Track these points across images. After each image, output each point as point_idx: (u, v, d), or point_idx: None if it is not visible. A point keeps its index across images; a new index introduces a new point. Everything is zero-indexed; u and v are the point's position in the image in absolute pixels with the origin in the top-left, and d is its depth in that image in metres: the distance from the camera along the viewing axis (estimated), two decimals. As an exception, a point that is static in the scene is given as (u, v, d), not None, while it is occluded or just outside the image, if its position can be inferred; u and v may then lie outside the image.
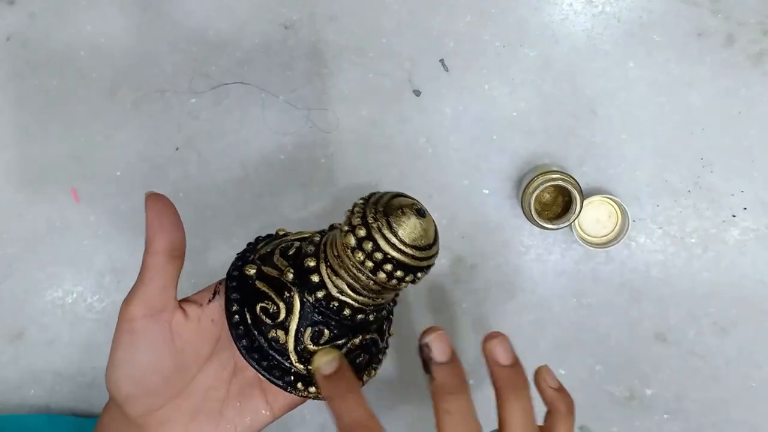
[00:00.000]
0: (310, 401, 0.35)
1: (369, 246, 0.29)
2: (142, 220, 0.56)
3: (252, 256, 0.34)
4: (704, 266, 0.51)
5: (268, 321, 0.32)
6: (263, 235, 0.37)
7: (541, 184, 0.47)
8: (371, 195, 0.31)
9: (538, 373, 0.34)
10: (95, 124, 0.55)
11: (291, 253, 0.33)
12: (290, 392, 0.32)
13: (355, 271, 0.30)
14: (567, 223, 0.47)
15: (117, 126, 0.55)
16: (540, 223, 0.47)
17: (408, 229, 0.30)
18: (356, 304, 0.32)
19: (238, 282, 0.33)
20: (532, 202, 0.47)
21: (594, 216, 0.51)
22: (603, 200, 0.50)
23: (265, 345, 0.32)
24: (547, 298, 0.52)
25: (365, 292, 0.31)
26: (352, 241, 0.30)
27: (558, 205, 0.50)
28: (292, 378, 0.32)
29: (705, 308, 0.52)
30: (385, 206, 0.30)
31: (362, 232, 0.29)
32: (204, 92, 0.54)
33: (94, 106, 0.55)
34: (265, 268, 0.33)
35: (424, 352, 0.30)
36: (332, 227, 0.35)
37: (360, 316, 0.32)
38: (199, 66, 0.54)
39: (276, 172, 0.54)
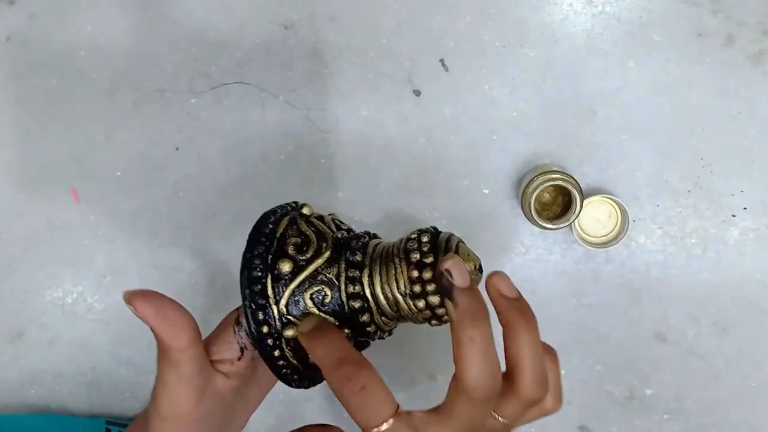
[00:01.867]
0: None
1: (431, 288, 0.30)
2: (143, 220, 0.57)
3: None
4: (704, 266, 0.51)
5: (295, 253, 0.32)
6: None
7: (541, 184, 0.47)
8: (436, 233, 0.32)
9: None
10: (95, 124, 0.55)
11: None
12: (302, 387, 0.34)
13: (398, 292, 0.31)
14: (567, 223, 0.47)
15: (117, 126, 0.55)
16: (540, 223, 0.47)
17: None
18: (376, 315, 0.32)
19: (274, 342, 0.32)
20: (532, 202, 0.47)
21: (594, 216, 0.51)
22: (603, 200, 0.50)
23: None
24: (547, 298, 0.52)
25: (390, 312, 0.32)
26: (416, 273, 0.31)
27: (558, 205, 0.50)
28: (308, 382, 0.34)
29: (705, 308, 0.52)
30: (457, 246, 0.32)
31: (428, 275, 0.30)
32: (204, 92, 0.54)
33: (94, 106, 0.55)
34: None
35: (444, 279, 0.29)
36: (375, 236, 0.35)
37: (370, 327, 0.33)
38: (199, 66, 0.54)
39: (276, 172, 0.54)
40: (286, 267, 0.31)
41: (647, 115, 0.51)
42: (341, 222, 0.35)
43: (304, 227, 0.33)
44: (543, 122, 0.52)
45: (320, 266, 0.31)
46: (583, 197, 0.47)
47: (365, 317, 0.32)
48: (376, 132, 0.53)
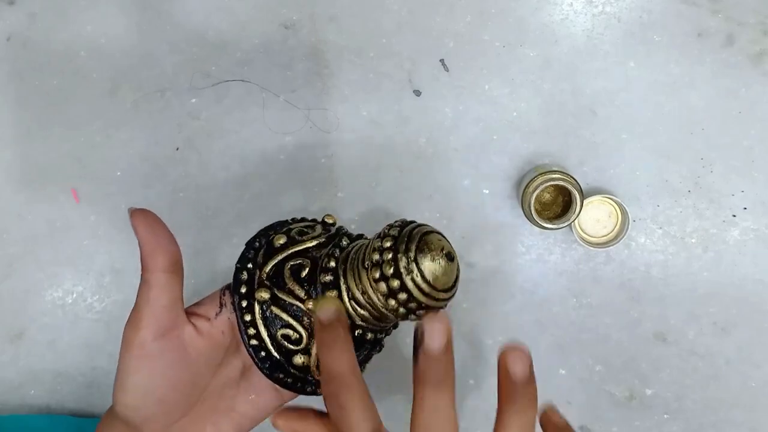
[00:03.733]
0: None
1: (403, 297, 0.30)
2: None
3: (257, 273, 0.34)
4: (704, 266, 0.51)
5: (291, 347, 0.33)
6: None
7: (541, 183, 0.47)
8: (400, 230, 0.31)
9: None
10: (95, 124, 0.55)
11: (304, 275, 0.33)
12: (310, 394, 0.34)
13: (383, 310, 0.31)
14: (567, 223, 0.47)
15: (117, 126, 0.55)
16: (540, 223, 0.47)
17: (436, 270, 0.30)
18: (366, 326, 0.33)
19: (248, 302, 0.33)
20: (532, 202, 0.47)
21: (594, 216, 0.51)
22: (603, 200, 0.50)
23: (287, 364, 0.33)
24: (548, 298, 0.52)
25: (373, 319, 0.33)
26: (384, 288, 0.30)
27: (558, 205, 0.50)
28: (314, 387, 0.34)
29: (705, 308, 0.52)
30: (417, 250, 0.30)
31: (395, 284, 0.30)
32: (204, 92, 0.54)
33: (94, 106, 0.55)
34: (280, 294, 0.33)
35: (417, 333, 0.29)
36: (339, 232, 0.36)
37: (369, 335, 0.34)
38: (199, 66, 0.54)
39: (276, 172, 0.54)
40: (298, 360, 0.33)
41: (647, 115, 0.51)
42: (296, 263, 0.34)
43: (282, 316, 0.33)
44: (543, 122, 0.52)
45: None
46: (583, 197, 0.47)
47: (360, 332, 0.33)
48: (376, 132, 0.53)
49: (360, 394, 0.29)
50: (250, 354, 0.33)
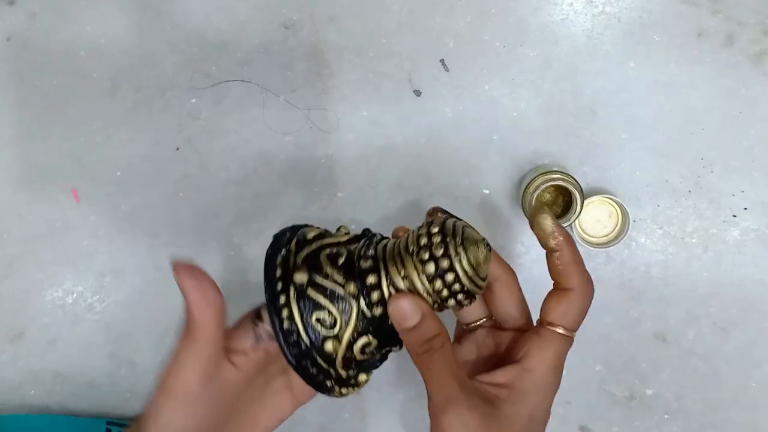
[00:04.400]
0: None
1: (444, 263, 0.32)
2: (143, 220, 0.57)
3: (293, 260, 0.34)
4: (704, 266, 0.51)
5: (323, 331, 0.32)
6: (277, 230, 0.37)
7: (542, 184, 0.47)
8: (445, 218, 0.34)
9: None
10: (95, 124, 0.55)
11: (341, 262, 0.33)
12: (325, 394, 0.33)
13: (419, 288, 0.32)
14: (567, 223, 0.47)
15: (117, 126, 0.55)
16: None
17: (481, 258, 0.33)
18: None
19: (284, 285, 0.33)
20: (533, 202, 0.47)
21: (594, 216, 0.51)
22: (603, 200, 0.50)
23: (316, 353, 0.32)
24: (548, 298, 0.52)
25: None
26: (430, 262, 0.32)
27: (558, 205, 0.50)
28: (332, 383, 0.33)
29: (705, 308, 0.52)
30: (464, 235, 0.33)
31: (440, 252, 0.32)
32: (204, 92, 0.54)
33: (95, 106, 0.55)
34: (317, 277, 0.33)
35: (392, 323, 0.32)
36: (369, 231, 0.36)
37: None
38: (199, 66, 0.54)
39: (276, 172, 0.54)
40: (329, 346, 0.32)
41: (647, 115, 0.51)
42: (333, 251, 0.34)
43: (319, 300, 0.33)
44: (543, 122, 0.52)
45: (356, 321, 0.33)
46: (583, 197, 0.47)
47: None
48: (376, 132, 0.53)
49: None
50: (278, 340, 0.32)
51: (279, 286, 0.33)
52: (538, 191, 0.47)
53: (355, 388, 0.34)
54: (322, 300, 0.32)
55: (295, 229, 0.36)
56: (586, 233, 0.51)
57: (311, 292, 0.32)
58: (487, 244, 0.34)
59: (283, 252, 0.34)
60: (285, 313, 0.32)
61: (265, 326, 0.34)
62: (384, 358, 0.35)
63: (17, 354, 0.55)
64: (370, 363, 0.34)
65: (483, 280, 0.33)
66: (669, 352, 0.52)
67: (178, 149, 0.55)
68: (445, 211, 0.36)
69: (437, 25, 0.53)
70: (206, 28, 0.54)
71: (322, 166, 0.54)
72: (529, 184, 0.47)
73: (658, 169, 0.51)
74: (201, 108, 0.54)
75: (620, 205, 0.50)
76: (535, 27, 0.52)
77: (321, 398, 0.54)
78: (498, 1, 0.52)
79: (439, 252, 0.32)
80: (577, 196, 0.47)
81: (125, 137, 0.55)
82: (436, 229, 0.33)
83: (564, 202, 0.50)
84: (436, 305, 0.33)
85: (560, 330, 0.34)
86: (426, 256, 0.32)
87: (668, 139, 0.51)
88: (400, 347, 0.35)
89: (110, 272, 0.55)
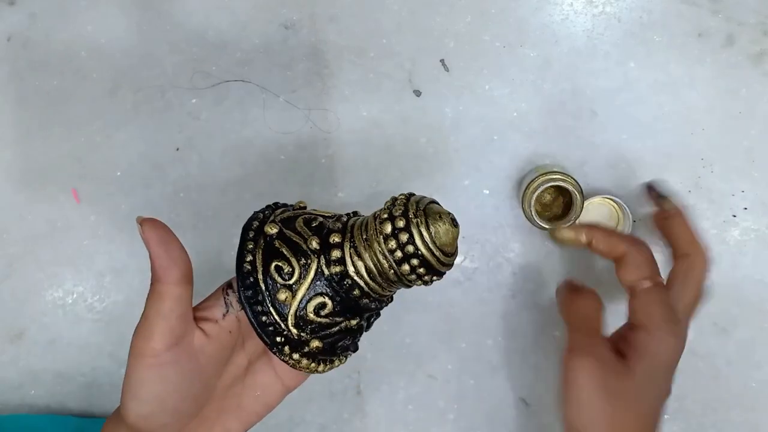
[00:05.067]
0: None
1: (404, 237, 0.32)
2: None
3: (272, 217, 0.35)
4: (704, 266, 0.51)
5: (279, 280, 0.33)
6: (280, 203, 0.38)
7: (542, 184, 0.47)
8: (411, 194, 0.34)
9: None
10: (95, 124, 0.55)
11: (314, 225, 0.34)
12: (275, 353, 0.33)
13: (380, 257, 0.32)
14: (567, 224, 0.47)
15: (117, 126, 0.55)
16: (540, 223, 0.47)
17: (441, 232, 0.32)
18: (366, 288, 0.33)
19: (255, 236, 0.34)
20: (533, 202, 0.47)
21: (594, 216, 0.51)
22: (603, 201, 0.50)
23: (268, 301, 0.33)
24: (548, 298, 0.52)
25: (380, 280, 0.33)
26: (389, 228, 0.32)
27: (558, 205, 0.50)
28: (282, 339, 0.33)
29: (705, 308, 0.51)
30: (426, 207, 0.33)
31: (401, 224, 0.32)
32: (204, 92, 0.54)
33: (95, 106, 0.55)
34: (286, 231, 0.34)
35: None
36: (356, 213, 0.37)
37: (365, 300, 0.33)
38: (199, 66, 0.54)
39: (276, 172, 0.54)
40: (282, 296, 0.33)
41: (647, 115, 0.51)
42: (310, 216, 0.35)
43: (283, 250, 0.34)
44: (543, 122, 0.52)
45: (312, 277, 0.33)
46: (583, 198, 0.47)
47: (363, 300, 0.33)
48: (376, 132, 0.53)
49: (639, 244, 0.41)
50: (237, 282, 0.33)
51: (250, 235, 0.34)
52: (538, 191, 0.47)
53: (309, 360, 0.34)
54: (285, 251, 0.33)
55: (271, 207, 0.38)
56: (586, 233, 0.51)
57: (277, 243, 0.33)
58: (453, 220, 0.33)
59: (263, 214, 0.36)
60: (248, 258, 0.33)
61: (236, 295, 0.34)
62: (343, 334, 0.35)
63: (17, 354, 0.56)
64: (325, 330, 0.34)
65: (448, 256, 0.33)
66: (669, 352, 0.52)
67: (178, 149, 0.55)
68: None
69: (437, 25, 0.53)
70: (206, 28, 0.54)
71: (322, 166, 0.54)
72: (529, 184, 0.47)
73: (658, 169, 0.51)
74: (201, 108, 0.54)
75: (620, 205, 0.50)
76: (535, 27, 0.52)
77: (321, 398, 0.54)
78: (498, 1, 0.52)
79: (404, 238, 0.32)
80: (577, 196, 0.47)
81: (125, 137, 0.55)
82: (399, 212, 0.33)
83: (564, 202, 0.50)
84: (399, 279, 0.33)
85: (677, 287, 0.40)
86: (392, 244, 0.32)
87: (668, 139, 0.51)
88: (360, 321, 0.35)
89: (110, 272, 0.55)
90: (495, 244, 0.53)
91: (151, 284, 0.32)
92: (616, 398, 0.36)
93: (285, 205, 0.38)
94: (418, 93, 0.53)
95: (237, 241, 0.54)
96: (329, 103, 0.54)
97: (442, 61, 0.53)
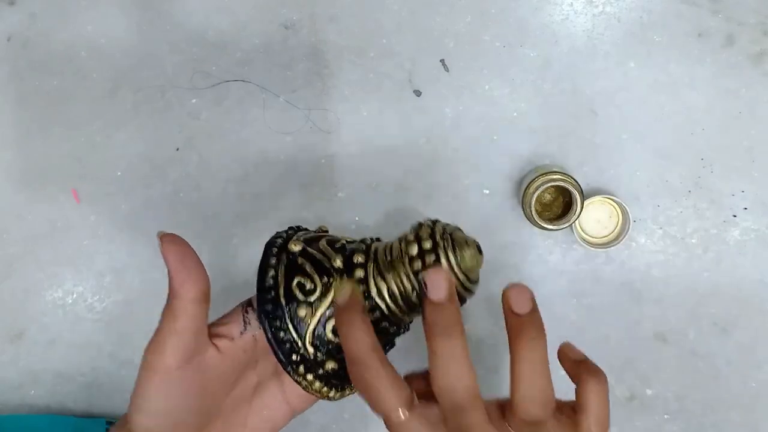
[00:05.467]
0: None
1: (431, 259, 0.31)
2: (143, 220, 0.57)
3: (295, 237, 0.35)
4: (704, 266, 0.51)
5: (300, 296, 0.32)
6: (277, 230, 0.38)
7: (542, 184, 0.47)
8: (437, 220, 0.34)
9: (560, 352, 0.33)
10: (95, 124, 0.55)
11: (338, 245, 0.34)
12: (288, 372, 0.33)
13: (404, 279, 0.32)
14: (567, 224, 0.47)
15: (117, 126, 0.55)
16: (540, 223, 0.47)
17: (467, 257, 0.32)
18: (387, 311, 0.33)
19: (278, 253, 0.34)
20: (533, 202, 0.47)
21: (594, 216, 0.51)
22: (603, 201, 0.50)
23: (288, 317, 0.32)
24: (548, 298, 0.52)
25: (401, 303, 0.33)
26: (415, 249, 0.32)
27: (558, 205, 0.50)
28: (298, 358, 0.33)
29: (705, 308, 0.52)
30: (453, 233, 0.33)
31: (428, 245, 0.32)
32: (204, 92, 0.54)
33: (95, 106, 0.55)
34: (310, 249, 0.34)
35: (421, 286, 0.31)
36: (378, 239, 0.37)
37: (384, 323, 0.33)
38: (199, 66, 0.54)
39: (276, 172, 0.54)
40: (302, 312, 0.32)
41: (647, 115, 0.51)
42: (333, 238, 0.35)
43: (306, 267, 0.33)
44: (543, 122, 0.52)
45: (331, 301, 0.33)
46: (583, 198, 0.47)
47: (382, 323, 0.33)
48: (376, 132, 0.53)
49: (383, 371, 0.30)
50: (258, 294, 0.33)
51: (273, 251, 0.34)
52: (538, 192, 0.47)
53: (322, 383, 0.33)
54: (308, 268, 0.33)
55: (295, 228, 0.37)
56: (586, 233, 0.51)
57: (300, 260, 0.33)
58: (478, 247, 0.33)
59: (286, 233, 0.36)
60: (271, 272, 0.33)
61: (255, 314, 0.34)
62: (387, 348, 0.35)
63: (17, 354, 0.55)
64: (341, 352, 0.33)
65: (473, 283, 0.33)
66: (669, 352, 0.52)
67: (178, 149, 0.55)
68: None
69: (437, 25, 0.53)
70: (206, 28, 0.54)
71: (322, 166, 0.54)
72: (529, 184, 0.47)
73: (658, 169, 0.51)
74: (201, 108, 0.54)
75: (620, 206, 0.50)
76: (535, 27, 0.52)
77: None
78: (498, 1, 0.52)
79: (431, 259, 0.31)
80: (577, 196, 0.47)
81: (125, 137, 0.55)
82: (426, 236, 0.32)
83: (564, 202, 0.50)
84: (421, 303, 0.32)
85: None
86: (414, 250, 0.32)
87: (668, 139, 0.51)
88: (391, 347, 0.35)
89: (110, 272, 0.55)
90: (495, 245, 0.53)
91: (168, 299, 0.31)
92: None
93: (306, 229, 0.38)
94: (418, 93, 0.53)
95: (237, 241, 0.54)
96: (329, 103, 0.54)
97: (442, 61, 0.53)
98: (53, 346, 0.55)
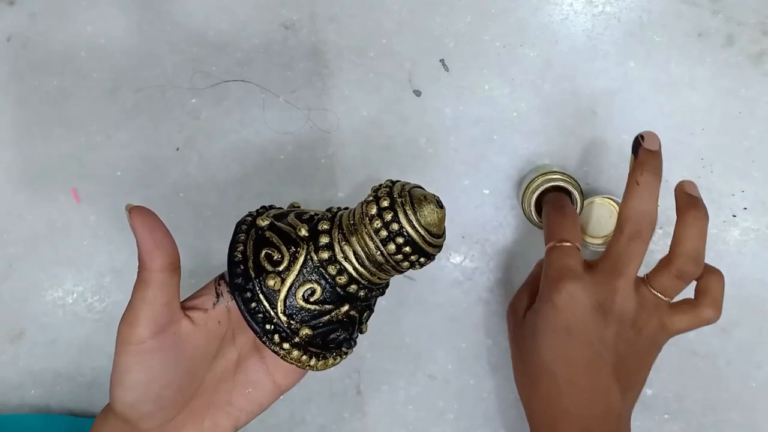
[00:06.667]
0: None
1: (389, 216, 0.32)
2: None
3: (264, 213, 0.36)
4: (704, 266, 0.51)
5: (269, 267, 0.33)
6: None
7: (542, 184, 0.47)
8: (396, 180, 0.34)
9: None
10: (95, 124, 0.55)
11: (305, 217, 0.35)
12: (264, 342, 0.33)
13: (366, 239, 0.33)
14: (567, 223, 0.47)
15: (117, 126, 0.55)
16: (540, 223, 0.47)
17: (426, 213, 0.33)
18: (354, 274, 0.33)
19: (247, 229, 0.35)
20: (533, 202, 0.47)
21: (594, 216, 0.51)
22: (603, 200, 0.50)
23: (258, 288, 0.33)
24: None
25: (368, 264, 0.33)
26: (374, 209, 0.32)
27: (558, 205, 0.50)
28: (272, 327, 0.33)
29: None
30: (411, 190, 0.33)
31: (386, 203, 0.32)
32: (204, 92, 0.54)
33: (95, 106, 0.55)
34: (278, 223, 0.35)
35: (637, 140, 0.40)
36: (347, 208, 0.37)
37: (353, 286, 0.34)
38: (199, 66, 0.54)
39: (276, 172, 0.54)
40: (271, 282, 0.33)
41: (647, 115, 0.51)
42: (302, 211, 0.36)
43: (273, 239, 0.34)
44: (543, 122, 0.52)
45: (301, 264, 0.33)
46: (583, 198, 0.47)
47: (351, 286, 0.34)
48: (376, 132, 0.53)
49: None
50: (228, 270, 0.34)
51: (243, 228, 0.35)
52: (538, 192, 0.47)
53: (301, 351, 0.34)
54: (275, 240, 0.34)
55: (264, 207, 0.38)
56: (586, 233, 0.51)
57: (268, 234, 0.34)
58: (438, 202, 0.33)
59: (257, 212, 0.37)
60: (239, 248, 0.34)
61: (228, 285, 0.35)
62: (334, 324, 0.35)
63: (17, 354, 0.56)
64: (315, 318, 0.34)
65: (437, 237, 0.34)
66: (669, 352, 0.52)
67: (178, 149, 0.55)
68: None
69: (437, 25, 0.53)
70: (206, 28, 0.54)
71: (322, 166, 0.54)
72: (529, 184, 0.47)
73: (658, 169, 0.51)
74: (201, 108, 0.54)
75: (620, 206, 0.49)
76: (535, 27, 0.52)
77: (321, 398, 0.54)
78: (498, 1, 0.52)
79: (389, 216, 0.32)
80: (577, 196, 0.47)
81: (125, 137, 0.55)
82: (384, 190, 0.33)
83: (564, 202, 0.50)
84: (386, 260, 0.33)
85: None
86: (373, 209, 0.32)
87: (668, 139, 0.51)
88: (350, 310, 0.35)
89: (110, 272, 0.55)
90: (495, 244, 0.53)
91: (138, 271, 0.32)
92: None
93: (280, 207, 0.39)
94: (418, 93, 0.53)
95: (237, 241, 0.54)
96: (329, 103, 0.54)
97: (442, 61, 0.53)
98: (53, 346, 0.55)
